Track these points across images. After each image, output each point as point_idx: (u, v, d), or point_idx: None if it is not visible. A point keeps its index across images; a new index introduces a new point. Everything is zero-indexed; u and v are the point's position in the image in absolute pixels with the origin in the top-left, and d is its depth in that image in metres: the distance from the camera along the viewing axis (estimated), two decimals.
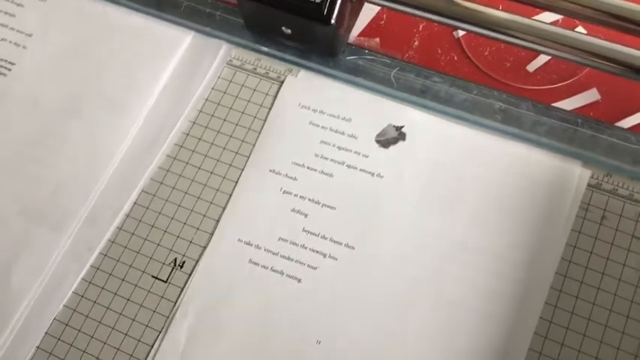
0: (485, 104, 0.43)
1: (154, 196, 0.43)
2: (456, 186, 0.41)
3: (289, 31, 0.44)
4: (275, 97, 0.45)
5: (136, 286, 0.41)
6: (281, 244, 0.41)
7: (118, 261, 0.41)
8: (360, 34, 0.48)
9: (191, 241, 0.41)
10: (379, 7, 0.49)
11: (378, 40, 0.48)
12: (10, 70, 0.48)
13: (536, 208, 0.40)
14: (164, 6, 0.49)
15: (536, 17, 0.41)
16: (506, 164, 0.42)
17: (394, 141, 0.43)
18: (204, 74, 0.46)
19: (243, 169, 0.43)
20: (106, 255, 0.42)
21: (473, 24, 0.41)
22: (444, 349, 0.38)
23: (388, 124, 0.44)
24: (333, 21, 0.41)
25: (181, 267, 0.41)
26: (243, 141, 0.44)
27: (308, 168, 0.43)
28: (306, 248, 0.41)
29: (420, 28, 0.49)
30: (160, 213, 0.42)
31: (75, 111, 0.46)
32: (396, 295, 0.39)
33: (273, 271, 0.40)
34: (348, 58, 0.46)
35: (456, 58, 0.48)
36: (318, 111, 0.44)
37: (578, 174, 0.41)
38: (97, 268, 0.41)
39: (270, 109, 0.45)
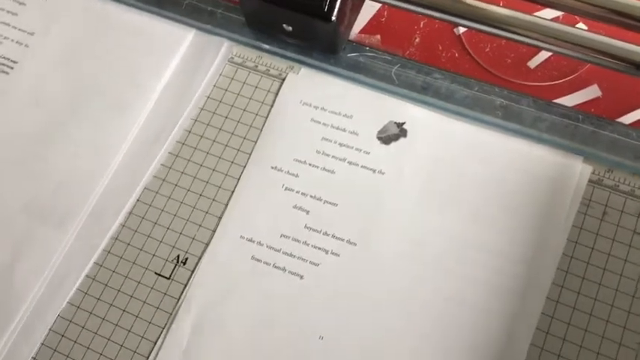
0: (486, 100, 0.44)
1: (157, 193, 0.43)
2: (457, 182, 0.41)
3: (290, 28, 0.44)
4: (276, 94, 0.45)
5: (139, 282, 0.41)
6: (283, 241, 0.41)
7: (121, 258, 0.42)
8: (361, 31, 0.48)
9: (194, 238, 0.42)
10: (380, 4, 0.49)
11: (379, 37, 0.48)
12: (12, 68, 0.48)
13: (537, 204, 0.40)
14: (165, 4, 0.49)
15: (537, 14, 0.41)
16: (507, 160, 0.42)
17: (395, 137, 0.43)
18: (206, 72, 0.47)
19: (245, 166, 0.43)
20: (109, 252, 0.42)
21: (474, 21, 0.42)
22: (445, 346, 0.38)
23: (389, 121, 0.44)
24: (333, 18, 0.41)
25: (184, 264, 0.41)
26: (244, 138, 0.44)
27: (309, 165, 0.43)
28: (308, 245, 0.41)
29: (421, 25, 0.49)
30: (162, 210, 0.43)
31: (77, 109, 0.46)
32: (398, 291, 0.39)
33: (276, 267, 0.40)
34: (349, 55, 0.46)
35: (456, 54, 0.48)
36: (320, 108, 0.45)
37: (580, 170, 0.41)
38: (101, 265, 0.41)
39: (271, 106, 0.45)
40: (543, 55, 0.47)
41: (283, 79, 0.46)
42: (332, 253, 0.40)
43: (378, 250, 0.40)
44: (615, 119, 0.44)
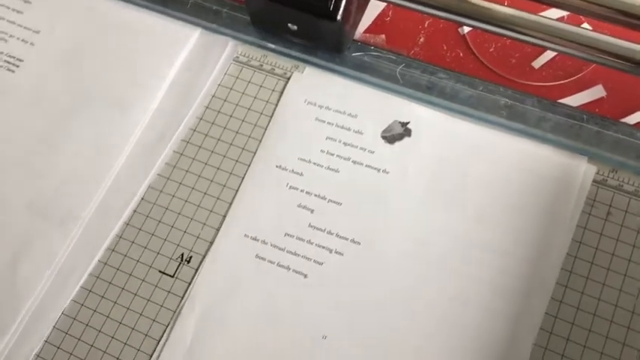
0: (490, 100, 0.44)
1: (161, 191, 0.43)
2: (462, 182, 0.41)
3: (295, 27, 0.44)
4: (281, 93, 0.45)
5: (143, 280, 0.41)
6: (287, 240, 0.41)
7: (125, 256, 0.42)
8: (366, 31, 0.48)
9: (198, 237, 0.42)
10: (385, 4, 0.49)
11: (383, 36, 0.48)
12: (17, 66, 0.48)
13: (541, 204, 0.40)
14: (171, 3, 0.49)
15: (542, 14, 0.41)
16: (511, 160, 0.42)
17: (400, 137, 0.43)
18: (211, 71, 0.47)
19: (249, 165, 0.43)
20: (113, 250, 0.42)
21: (479, 20, 0.42)
22: (448, 345, 0.38)
23: (394, 120, 0.44)
24: (339, 17, 0.41)
25: (188, 262, 0.41)
26: (249, 137, 0.44)
27: (314, 164, 0.43)
28: (312, 244, 0.41)
29: (426, 25, 0.49)
30: (167, 208, 0.43)
31: (82, 107, 0.46)
32: (402, 291, 0.39)
33: (280, 266, 0.41)
34: (353, 54, 0.46)
35: (461, 54, 0.48)
36: (324, 107, 0.45)
37: (584, 170, 0.41)
38: (105, 263, 0.42)
39: (276, 105, 0.45)
40: (548, 55, 0.47)
41: (288, 79, 0.46)
42: (336, 252, 0.41)
43: (382, 250, 0.40)
44: (620, 119, 0.44)
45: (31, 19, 0.50)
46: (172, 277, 0.41)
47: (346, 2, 0.41)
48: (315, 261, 0.40)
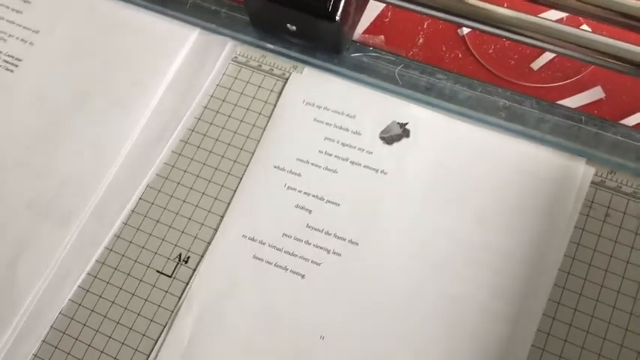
0: (489, 101, 0.44)
1: (160, 191, 0.43)
2: (460, 183, 0.41)
3: (294, 28, 0.44)
4: (280, 93, 0.45)
5: (140, 280, 0.41)
6: (285, 240, 0.41)
7: (123, 256, 0.42)
8: (365, 32, 0.48)
9: (196, 237, 0.42)
10: (384, 5, 0.49)
11: (382, 37, 0.48)
12: (17, 66, 0.48)
13: (539, 205, 0.40)
14: (170, 3, 0.49)
15: (541, 15, 0.41)
16: (510, 161, 0.42)
17: (398, 138, 0.43)
18: (210, 71, 0.47)
19: (247, 165, 0.43)
20: (111, 250, 0.42)
21: (478, 21, 0.42)
22: (446, 346, 0.38)
23: (392, 121, 0.44)
24: (337, 18, 0.41)
25: (186, 262, 0.41)
26: (247, 137, 0.44)
27: (312, 164, 0.43)
28: (310, 244, 0.41)
29: (425, 26, 0.49)
30: (165, 208, 0.43)
31: (81, 107, 0.46)
32: (400, 291, 0.39)
33: (277, 266, 0.40)
34: (352, 55, 0.46)
35: (460, 55, 0.48)
36: (323, 107, 0.45)
37: (582, 171, 0.41)
38: (103, 263, 0.42)
39: (274, 105, 0.45)
40: (547, 57, 0.47)
41: (287, 79, 0.46)
42: (334, 253, 0.41)
43: (380, 250, 0.40)
44: (618, 121, 0.44)
45: (30, 18, 0.50)
46: (170, 277, 0.41)
47: (345, 3, 0.41)
48: (312, 261, 0.40)
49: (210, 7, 0.49)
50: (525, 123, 0.43)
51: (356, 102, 0.44)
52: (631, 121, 0.44)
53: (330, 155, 0.43)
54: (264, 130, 0.44)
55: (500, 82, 0.46)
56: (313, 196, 0.42)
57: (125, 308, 0.40)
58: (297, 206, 0.42)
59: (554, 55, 0.47)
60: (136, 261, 0.41)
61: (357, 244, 0.41)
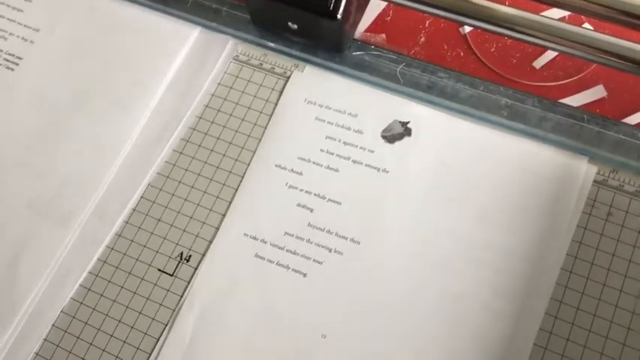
0: (491, 100, 0.43)
1: (161, 190, 0.43)
2: (462, 182, 0.41)
3: (295, 26, 0.44)
4: (281, 92, 0.45)
5: (142, 279, 0.41)
6: (287, 239, 0.41)
7: (124, 254, 0.42)
8: (367, 30, 0.48)
9: (197, 235, 0.42)
10: (385, 3, 0.49)
11: (384, 35, 0.48)
12: (17, 64, 0.48)
13: (541, 204, 0.40)
14: (171, 1, 0.49)
15: (543, 14, 0.41)
16: (512, 160, 0.42)
17: (400, 136, 0.43)
18: (211, 70, 0.47)
19: (249, 164, 0.43)
20: (112, 248, 0.42)
21: (480, 20, 0.41)
22: (448, 346, 0.38)
23: (394, 120, 0.44)
24: (339, 16, 0.41)
25: (187, 261, 0.41)
26: (249, 136, 0.44)
27: (314, 163, 0.43)
28: (311, 243, 0.41)
29: (427, 25, 0.49)
30: (166, 207, 0.43)
31: (82, 106, 0.46)
32: (401, 290, 0.39)
33: (279, 265, 0.40)
34: (354, 53, 0.46)
35: (462, 54, 0.47)
36: (324, 106, 0.45)
37: (585, 170, 0.41)
38: (104, 262, 0.41)
39: (276, 104, 0.45)
40: (549, 56, 0.47)
41: (288, 78, 0.46)
42: (335, 252, 0.40)
43: (381, 249, 0.40)
44: (620, 120, 0.44)
45: (31, 17, 0.50)
46: (171, 275, 0.41)
47: (346, 1, 0.41)
48: (314, 260, 0.40)
49: (211, 6, 0.48)
50: (527, 122, 0.43)
51: (357, 101, 0.44)
52: (633, 119, 0.44)
53: (332, 154, 0.43)
54: (266, 128, 0.44)
55: (501, 80, 0.46)
56: (315, 194, 0.42)
57: (127, 307, 0.40)
58: (298, 205, 0.42)
59: (556, 53, 0.47)
60: (137, 260, 0.41)
61: (358, 242, 0.41)
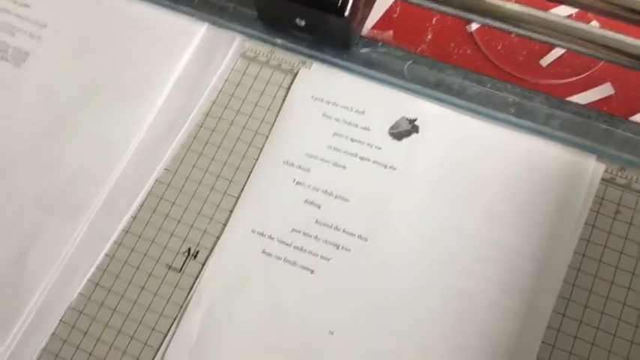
0: (498, 97, 0.43)
1: (168, 186, 0.43)
2: (470, 179, 0.41)
3: (303, 23, 0.44)
4: (288, 88, 0.45)
5: (150, 275, 0.41)
6: (294, 235, 0.41)
7: (132, 250, 0.42)
8: (374, 27, 0.48)
9: (205, 231, 0.42)
10: (393, 0, 0.49)
11: (391, 32, 0.48)
12: (24, 60, 0.48)
13: (549, 201, 0.40)
14: None
15: (550, 11, 0.41)
16: (520, 157, 0.42)
17: (407, 133, 0.43)
18: (218, 66, 0.46)
19: (256, 160, 0.43)
20: (120, 244, 0.42)
21: (487, 17, 0.41)
22: (455, 343, 0.38)
23: (401, 117, 0.44)
24: (347, 13, 0.41)
25: (195, 256, 0.41)
26: (256, 132, 0.44)
27: (321, 159, 0.43)
28: (319, 239, 0.41)
29: (434, 22, 0.49)
30: (173, 203, 0.43)
31: (89, 101, 0.46)
32: (409, 287, 0.39)
33: (286, 261, 0.40)
34: (361, 50, 0.46)
35: (469, 52, 0.47)
36: (332, 103, 0.45)
37: (592, 168, 0.41)
38: (112, 257, 0.42)
39: (283, 100, 0.45)
40: (556, 53, 0.47)
41: (295, 74, 0.46)
42: (343, 248, 0.40)
43: (388, 246, 0.40)
44: (628, 117, 0.44)
45: (37, 12, 0.50)
46: (179, 271, 0.41)
47: None
48: (322, 257, 0.40)
49: (218, 2, 0.48)
50: (535, 119, 0.42)
51: (365, 97, 0.44)
52: None
53: (339, 151, 0.43)
54: (273, 125, 0.44)
55: (509, 78, 0.46)
56: (322, 191, 0.42)
57: (134, 302, 0.40)
58: (306, 201, 0.42)
59: (563, 51, 0.47)
60: (145, 255, 0.41)
61: (366, 239, 0.41)
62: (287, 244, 0.41)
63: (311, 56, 0.46)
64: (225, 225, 0.42)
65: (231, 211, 0.42)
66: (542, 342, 0.37)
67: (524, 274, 0.39)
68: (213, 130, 0.45)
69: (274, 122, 0.44)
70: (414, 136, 0.43)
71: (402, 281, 0.39)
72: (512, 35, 0.47)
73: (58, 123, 0.45)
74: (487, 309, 0.38)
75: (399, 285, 0.39)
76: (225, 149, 0.44)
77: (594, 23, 0.47)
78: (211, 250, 0.41)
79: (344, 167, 0.43)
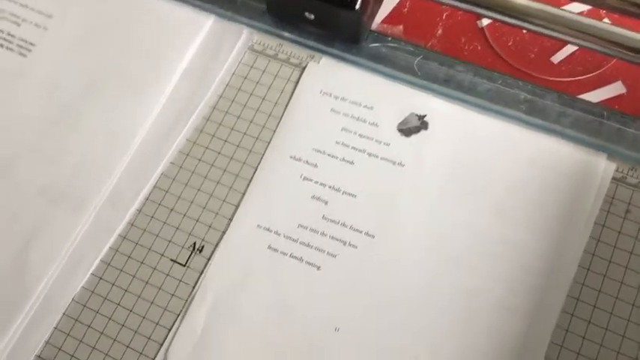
0: (509, 94, 0.43)
1: (174, 180, 0.43)
2: (479, 176, 0.41)
3: (312, 16, 0.44)
4: (296, 83, 0.45)
5: (154, 269, 0.40)
6: (300, 231, 0.41)
7: (136, 244, 0.41)
8: (384, 21, 0.48)
9: (210, 226, 0.41)
10: None
11: (401, 27, 0.48)
12: (30, 50, 0.48)
13: (559, 200, 0.40)
14: None
15: (562, 8, 0.40)
16: (530, 155, 0.41)
17: (416, 130, 0.43)
18: (225, 59, 0.46)
19: (263, 155, 0.43)
20: (125, 237, 0.41)
21: (498, 12, 0.41)
22: (462, 341, 0.37)
23: (410, 113, 0.43)
24: (357, 6, 0.41)
25: (200, 251, 0.41)
26: (263, 127, 0.44)
27: (329, 155, 0.42)
28: (325, 235, 0.40)
29: (444, 17, 0.48)
30: (179, 197, 0.42)
31: (95, 93, 0.46)
32: (416, 285, 0.39)
33: (293, 257, 0.40)
34: (371, 45, 0.45)
35: (479, 47, 0.47)
36: (340, 98, 0.44)
37: (603, 167, 0.40)
38: (116, 251, 0.41)
39: (291, 95, 0.44)
40: (567, 50, 0.46)
41: (304, 68, 0.45)
42: (350, 245, 0.40)
43: (396, 243, 0.40)
44: (639, 116, 0.43)
45: (43, 3, 0.49)
46: (184, 266, 0.40)
47: None
48: (328, 253, 0.40)
49: None
50: (546, 117, 0.42)
51: (374, 93, 0.44)
52: None
53: (347, 146, 0.43)
54: (281, 119, 0.44)
55: (519, 74, 0.46)
56: (329, 187, 0.42)
57: (138, 296, 0.40)
58: (313, 197, 0.41)
59: (574, 48, 0.46)
60: (149, 249, 0.41)
61: (373, 236, 0.40)
62: (293, 240, 0.40)
63: (320, 50, 0.46)
64: (230, 220, 0.41)
65: (237, 206, 0.42)
66: (550, 342, 0.37)
67: (533, 272, 0.38)
68: (219, 124, 0.44)
69: (282, 117, 0.44)
70: (423, 132, 0.42)
71: (410, 279, 0.39)
72: (524, 31, 0.47)
73: (64, 114, 0.45)
74: (495, 307, 0.38)
75: (406, 282, 0.39)
76: (231, 143, 0.44)
77: (606, 20, 0.46)
78: (217, 245, 0.41)
79: (352, 163, 0.42)
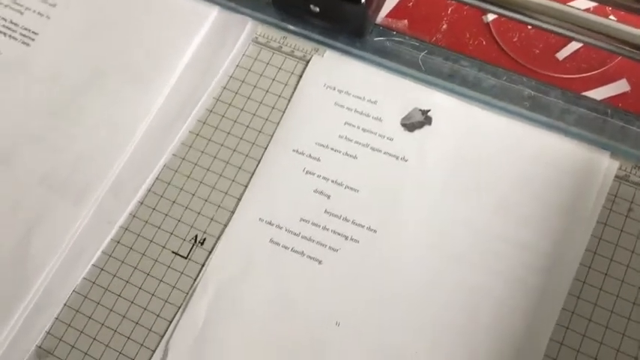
0: (513, 90, 0.43)
1: (176, 172, 0.43)
2: (482, 172, 0.41)
3: (317, 9, 0.43)
4: (300, 76, 0.45)
5: (156, 261, 0.40)
6: (302, 225, 0.41)
7: (138, 235, 0.41)
8: (388, 15, 0.48)
9: (212, 219, 0.41)
10: None
11: (406, 21, 0.47)
12: (33, 40, 0.47)
13: (561, 197, 0.40)
14: None
15: (568, 4, 0.40)
16: (533, 152, 0.41)
17: (420, 125, 0.42)
18: (229, 51, 0.46)
19: (266, 148, 0.43)
20: (126, 229, 0.41)
21: (504, 7, 0.41)
22: (463, 337, 0.37)
23: (414, 108, 0.43)
24: (363, 0, 0.40)
25: (202, 244, 0.41)
26: (266, 120, 0.44)
27: (332, 149, 0.42)
28: (327, 230, 0.40)
29: (449, 12, 0.48)
30: (181, 189, 0.42)
31: (98, 83, 0.45)
32: (417, 280, 0.39)
33: (294, 251, 0.40)
34: (375, 39, 0.45)
35: (484, 43, 0.47)
36: (344, 92, 0.44)
37: (606, 165, 0.40)
38: (118, 242, 0.41)
39: (295, 88, 0.44)
40: (572, 47, 0.46)
41: (308, 61, 0.45)
42: (352, 240, 0.40)
43: (398, 238, 0.40)
44: None
45: None
46: (186, 258, 0.40)
47: None
48: (330, 247, 0.40)
49: None
50: (550, 114, 0.42)
51: (378, 87, 0.44)
52: None
53: (350, 141, 0.42)
54: (284, 112, 0.44)
55: (524, 70, 0.45)
56: (332, 181, 0.42)
57: (139, 288, 0.40)
58: (315, 191, 0.41)
59: (579, 45, 0.46)
60: (151, 241, 0.41)
61: (375, 231, 0.40)
62: (295, 234, 0.40)
63: (324, 44, 0.45)
64: (232, 213, 0.41)
65: (240, 199, 0.42)
66: (550, 339, 0.37)
67: (535, 270, 0.38)
68: (222, 116, 0.44)
69: (285, 110, 0.44)
70: (426, 127, 0.42)
71: (411, 275, 0.39)
72: (529, 27, 0.47)
73: (67, 103, 0.45)
74: (496, 304, 0.38)
75: (408, 278, 0.39)
76: (234, 136, 0.43)
77: (612, 17, 0.46)
78: (218, 238, 0.41)
79: (355, 157, 0.42)
